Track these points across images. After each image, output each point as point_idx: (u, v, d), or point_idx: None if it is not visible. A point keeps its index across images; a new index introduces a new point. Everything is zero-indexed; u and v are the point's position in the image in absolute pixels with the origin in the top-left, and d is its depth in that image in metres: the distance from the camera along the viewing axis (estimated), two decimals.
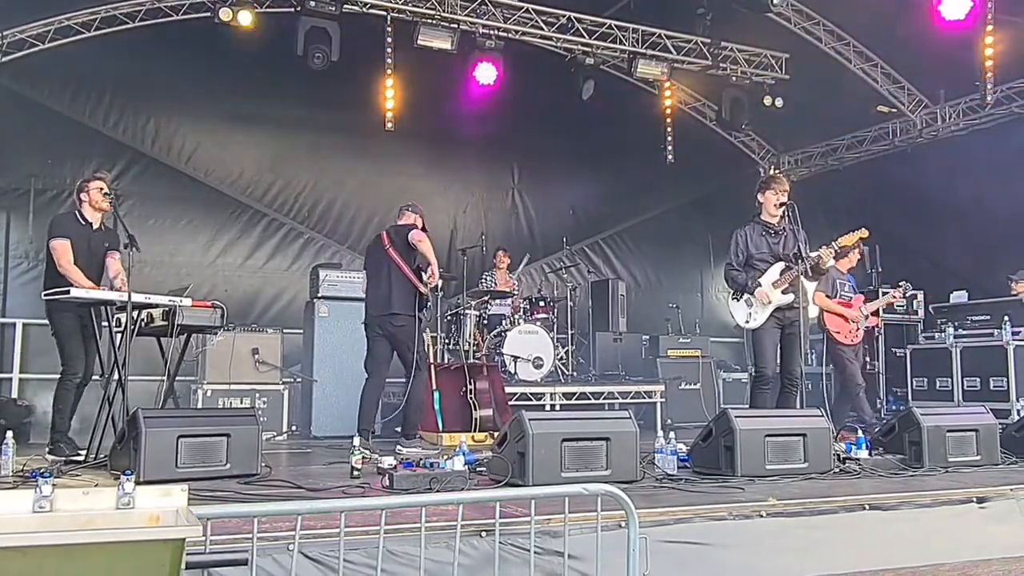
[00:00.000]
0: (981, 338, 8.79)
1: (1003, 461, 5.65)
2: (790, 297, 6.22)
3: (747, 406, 7.10)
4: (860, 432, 5.90)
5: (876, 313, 8.51)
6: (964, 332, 8.99)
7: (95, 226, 5.98)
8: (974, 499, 4.32)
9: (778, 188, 6.40)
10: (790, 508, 3.98)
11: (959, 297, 9.41)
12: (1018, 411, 8.06)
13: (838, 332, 7.75)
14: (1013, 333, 8.47)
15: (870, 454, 5.47)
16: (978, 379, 8.68)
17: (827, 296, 7.79)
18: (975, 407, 6.19)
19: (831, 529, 3.93)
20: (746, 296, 6.33)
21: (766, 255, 6.33)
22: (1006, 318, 8.53)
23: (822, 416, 5.29)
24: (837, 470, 5.12)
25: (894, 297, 8.53)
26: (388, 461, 4.66)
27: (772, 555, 3.70)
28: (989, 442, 5.64)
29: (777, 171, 12.22)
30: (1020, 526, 4.30)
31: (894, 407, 9.38)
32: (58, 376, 5.85)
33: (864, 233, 6.46)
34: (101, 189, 5.89)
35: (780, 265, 6.30)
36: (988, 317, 8.84)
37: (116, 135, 9.51)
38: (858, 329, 7.84)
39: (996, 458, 5.63)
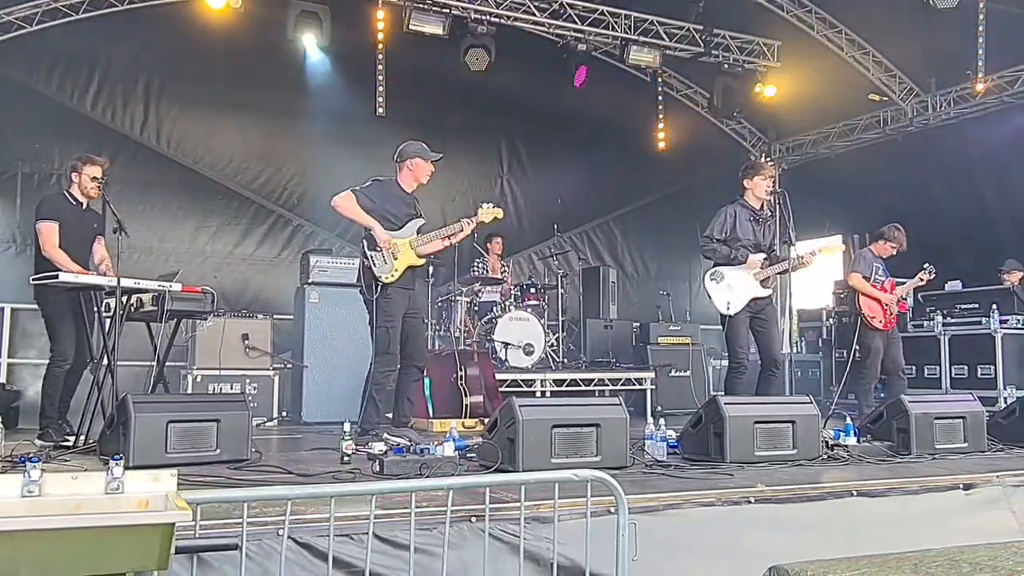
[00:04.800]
0: (969, 326, 8.85)
1: (990, 448, 5.69)
2: (769, 291, 6.32)
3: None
4: (848, 419, 5.93)
5: (904, 297, 8.10)
6: (952, 320, 9.05)
7: (84, 206, 5.92)
8: (961, 486, 4.35)
9: (767, 174, 6.48)
10: (779, 494, 4.00)
11: (954, 286, 9.43)
12: (1005, 398, 8.12)
13: (873, 316, 7.58)
14: (1001, 321, 8.53)
15: (858, 441, 5.51)
16: (966, 367, 8.74)
17: (864, 278, 7.64)
18: (963, 395, 6.24)
19: (819, 515, 3.96)
20: (726, 281, 6.36)
21: (750, 242, 6.38)
22: (994, 306, 8.59)
23: (811, 403, 5.32)
24: (825, 457, 5.15)
25: (920, 280, 7.96)
26: (378, 447, 4.66)
27: (760, 541, 3.72)
28: (976, 429, 5.68)
29: (767, 159, 12.26)
30: (1006, 512, 4.34)
31: (882, 394, 9.43)
32: (47, 361, 5.82)
33: (843, 247, 6.64)
34: (94, 178, 5.77)
35: (760, 256, 6.35)
36: (976, 305, 8.89)
37: (104, 120, 9.45)
38: (891, 315, 7.64)
39: (983, 445, 5.67)
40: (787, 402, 5.55)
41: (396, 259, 5.75)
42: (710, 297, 6.52)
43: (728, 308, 6.37)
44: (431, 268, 7.78)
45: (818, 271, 7.69)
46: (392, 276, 5.72)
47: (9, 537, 1.93)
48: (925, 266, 7.91)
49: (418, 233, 5.88)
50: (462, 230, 5.85)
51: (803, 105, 11.35)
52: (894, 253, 7.79)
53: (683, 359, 9.87)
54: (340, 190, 5.95)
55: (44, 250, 5.62)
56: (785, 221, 6.43)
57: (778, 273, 6.41)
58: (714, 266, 6.52)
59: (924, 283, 7.98)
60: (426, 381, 7.54)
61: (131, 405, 4.47)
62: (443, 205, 10.87)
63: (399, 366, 5.81)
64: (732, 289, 6.36)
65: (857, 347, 7.77)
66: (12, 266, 8.71)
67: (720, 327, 6.60)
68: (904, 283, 7.93)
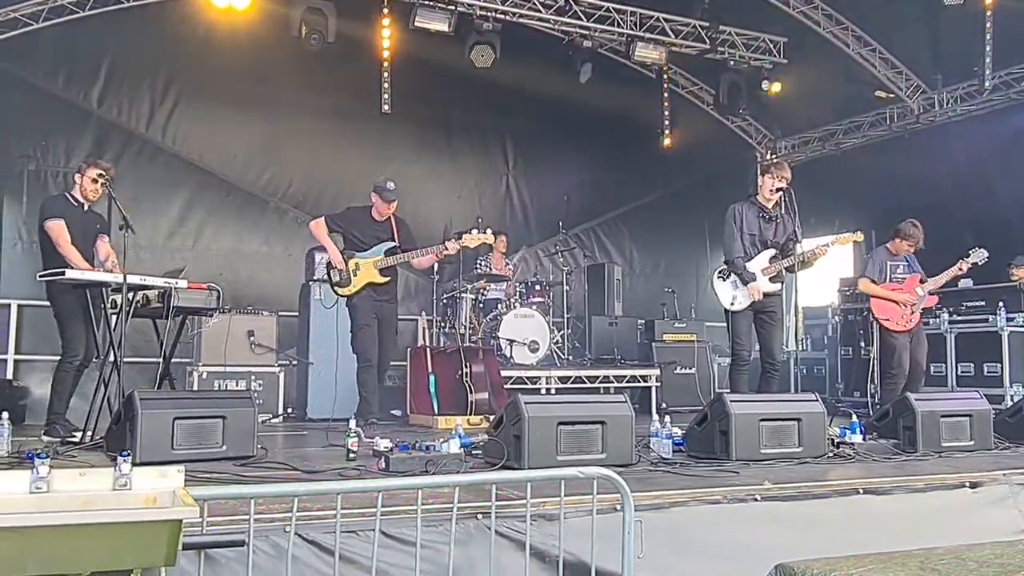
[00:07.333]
0: (976, 324, 8.82)
1: (996, 446, 5.68)
2: (778, 286, 6.33)
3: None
4: (854, 417, 5.92)
5: (934, 292, 7.54)
6: (959, 318, 9.02)
7: (85, 208, 5.95)
8: (967, 484, 4.35)
9: (777, 173, 6.44)
10: (785, 492, 4.00)
11: (965, 283, 9.37)
12: (1011, 396, 8.09)
13: (887, 319, 7.25)
14: (1007, 319, 8.50)
15: (864, 439, 5.50)
16: (972, 365, 8.72)
17: (872, 281, 7.33)
18: (969, 392, 6.22)
19: (825, 513, 3.96)
20: (732, 277, 6.37)
21: (755, 237, 6.40)
22: (1000, 304, 8.56)
23: (816, 400, 5.32)
24: (831, 454, 5.14)
25: (960, 269, 7.35)
26: (384, 443, 4.66)
27: (766, 538, 3.72)
28: (982, 427, 5.66)
29: (775, 156, 12.23)
30: (1012, 510, 4.33)
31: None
32: (56, 358, 5.85)
33: (859, 236, 6.60)
34: (94, 180, 5.83)
35: (769, 252, 6.37)
36: (983, 303, 8.86)
37: (110, 117, 9.45)
38: (912, 312, 7.26)
39: (989, 443, 5.65)
40: (793, 400, 5.55)
41: (355, 276, 6.69)
42: (716, 293, 6.52)
43: (732, 304, 6.38)
44: (434, 267, 7.82)
45: (823, 268, 7.58)
46: (348, 291, 6.74)
47: (18, 533, 1.94)
48: (971, 251, 7.28)
49: (386, 255, 6.71)
50: (446, 250, 6.70)
51: (809, 102, 11.32)
52: (911, 250, 7.42)
53: (688, 356, 9.86)
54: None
55: (58, 247, 5.67)
56: (791, 219, 6.43)
57: (786, 268, 6.36)
58: (724, 263, 6.56)
59: (962, 272, 7.42)
60: (431, 378, 7.56)
61: (138, 402, 4.49)
62: (449, 202, 10.90)
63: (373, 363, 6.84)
64: (739, 286, 6.37)
65: (881, 351, 7.41)
66: (20, 263, 8.73)
67: (724, 323, 6.61)
68: (937, 276, 7.42)
